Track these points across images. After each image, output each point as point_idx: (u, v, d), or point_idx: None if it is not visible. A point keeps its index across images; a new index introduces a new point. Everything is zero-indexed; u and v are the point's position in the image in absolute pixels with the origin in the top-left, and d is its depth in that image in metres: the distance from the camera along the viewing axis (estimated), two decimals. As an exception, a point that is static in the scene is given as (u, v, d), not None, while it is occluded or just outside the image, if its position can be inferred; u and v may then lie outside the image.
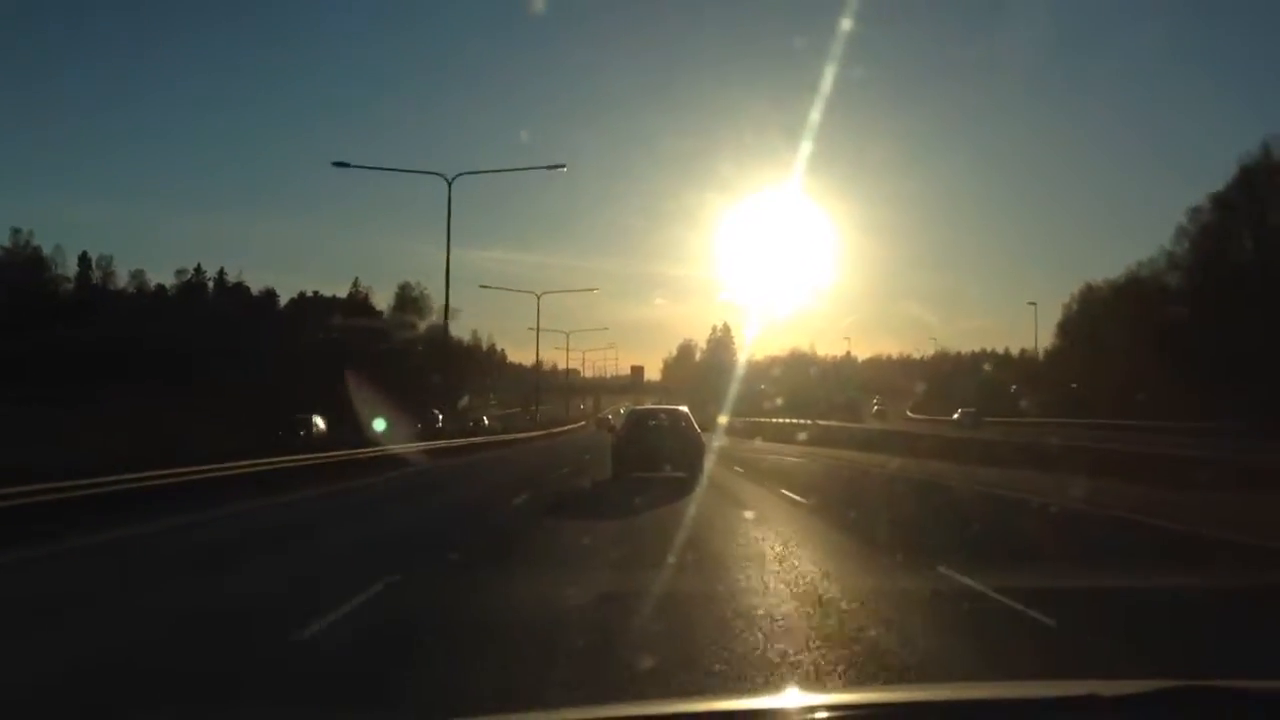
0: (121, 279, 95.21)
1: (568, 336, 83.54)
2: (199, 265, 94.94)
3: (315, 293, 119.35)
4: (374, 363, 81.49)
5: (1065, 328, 66.94)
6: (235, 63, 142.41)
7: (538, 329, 71.25)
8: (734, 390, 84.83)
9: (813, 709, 1.92)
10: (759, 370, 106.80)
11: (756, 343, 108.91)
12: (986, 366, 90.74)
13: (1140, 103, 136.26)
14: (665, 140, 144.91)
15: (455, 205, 49.11)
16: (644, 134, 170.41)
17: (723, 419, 48.18)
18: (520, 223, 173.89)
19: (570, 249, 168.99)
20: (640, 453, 19.87)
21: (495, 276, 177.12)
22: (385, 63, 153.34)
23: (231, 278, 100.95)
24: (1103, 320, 56.81)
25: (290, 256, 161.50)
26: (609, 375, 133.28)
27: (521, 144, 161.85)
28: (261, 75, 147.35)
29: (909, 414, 77.01)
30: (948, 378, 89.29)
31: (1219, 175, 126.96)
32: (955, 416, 63.91)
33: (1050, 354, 69.07)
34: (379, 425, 37.67)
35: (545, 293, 64.38)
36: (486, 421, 63.29)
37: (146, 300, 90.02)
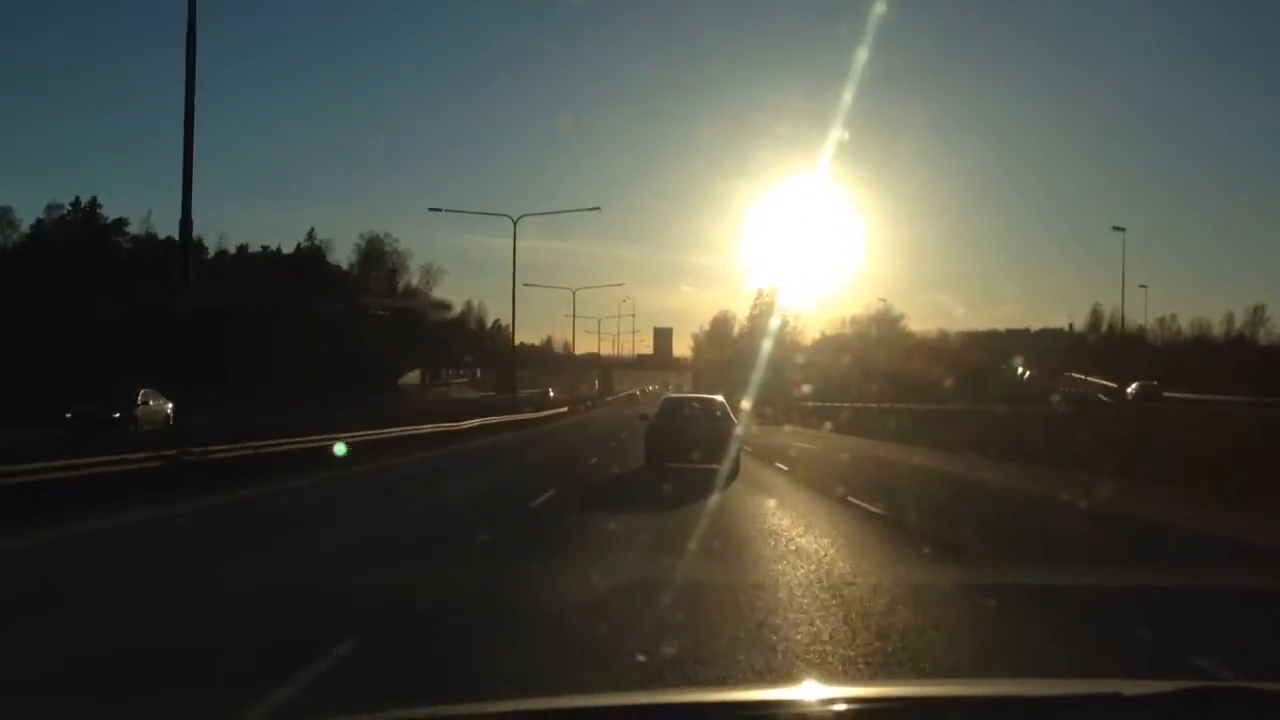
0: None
1: (599, 323, 65.16)
2: (77, 199, 71.33)
3: (264, 247, 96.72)
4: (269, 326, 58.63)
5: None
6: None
7: (573, 317, 69.43)
8: (797, 366, 61.94)
9: (831, 701, 1.87)
10: (820, 347, 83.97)
11: (796, 325, 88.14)
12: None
13: (1173, 84, 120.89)
14: (694, 128, 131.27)
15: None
16: (672, 121, 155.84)
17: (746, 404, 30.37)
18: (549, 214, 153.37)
19: (597, 236, 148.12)
20: (673, 442, 19.24)
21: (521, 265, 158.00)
22: (403, 41, 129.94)
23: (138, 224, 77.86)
24: None
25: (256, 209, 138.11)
26: (634, 355, 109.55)
27: (557, 130, 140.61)
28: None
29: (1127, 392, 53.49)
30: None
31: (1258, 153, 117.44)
32: (1130, 390, 51.97)
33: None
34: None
35: (580, 288, 58.57)
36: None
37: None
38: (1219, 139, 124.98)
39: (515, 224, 36.75)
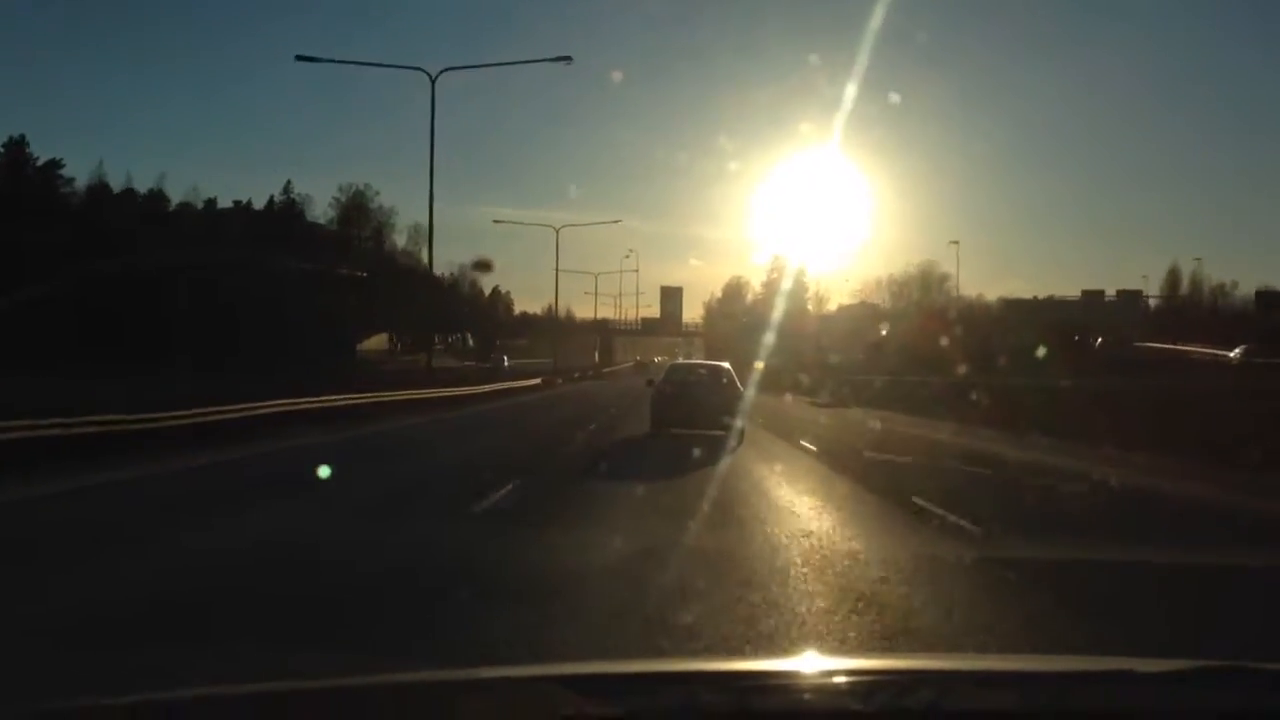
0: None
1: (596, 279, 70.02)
2: (10, 138, 63.38)
3: (235, 202, 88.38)
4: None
5: None
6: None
7: (557, 271, 59.63)
8: (825, 334, 55.27)
9: (832, 673, 1.84)
10: (848, 314, 77.84)
11: (818, 291, 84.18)
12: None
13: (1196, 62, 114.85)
14: (703, 98, 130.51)
15: (474, 166, 29.05)
16: (681, 90, 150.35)
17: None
18: (547, 181, 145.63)
19: (603, 210, 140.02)
20: (679, 409, 19.47)
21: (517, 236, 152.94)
22: None
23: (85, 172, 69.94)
24: None
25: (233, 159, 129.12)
26: (639, 319, 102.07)
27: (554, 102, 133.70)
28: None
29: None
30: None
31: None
32: (1233, 355, 48.43)
33: None
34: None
35: (565, 226, 56.93)
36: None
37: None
38: (1245, 107, 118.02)
39: (434, 81, 31.96)
